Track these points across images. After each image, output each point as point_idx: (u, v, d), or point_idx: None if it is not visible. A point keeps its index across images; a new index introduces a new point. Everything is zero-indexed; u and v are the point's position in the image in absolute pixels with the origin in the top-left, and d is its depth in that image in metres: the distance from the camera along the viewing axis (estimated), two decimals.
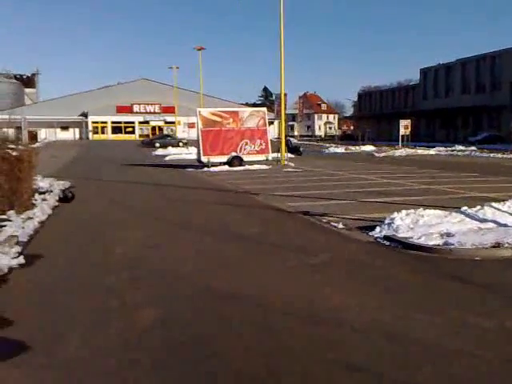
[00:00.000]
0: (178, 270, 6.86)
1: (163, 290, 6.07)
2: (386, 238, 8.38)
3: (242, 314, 5.17)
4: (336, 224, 9.79)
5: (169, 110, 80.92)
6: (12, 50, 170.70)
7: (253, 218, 11.29)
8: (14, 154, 11.36)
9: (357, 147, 46.79)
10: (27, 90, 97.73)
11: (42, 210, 11.25)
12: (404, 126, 45.79)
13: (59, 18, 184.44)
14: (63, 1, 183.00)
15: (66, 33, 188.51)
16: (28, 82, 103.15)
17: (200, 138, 25.46)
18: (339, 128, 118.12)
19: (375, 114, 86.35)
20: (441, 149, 43.69)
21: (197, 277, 6.55)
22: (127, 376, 3.92)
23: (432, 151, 41.67)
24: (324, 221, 10.30)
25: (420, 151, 41.47)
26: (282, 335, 4.64)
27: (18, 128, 58.60)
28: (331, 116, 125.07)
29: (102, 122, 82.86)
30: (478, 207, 9.44)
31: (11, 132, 55.09)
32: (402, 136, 45.53)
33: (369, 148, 45.57)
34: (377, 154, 38.54)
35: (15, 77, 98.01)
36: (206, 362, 4.11)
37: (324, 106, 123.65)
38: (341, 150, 46.25)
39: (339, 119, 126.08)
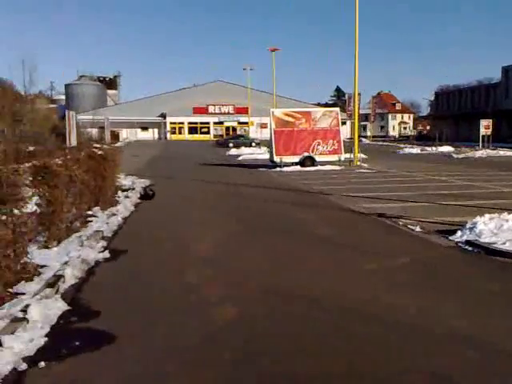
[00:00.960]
0: (254, 269, 6.97)
1: (239, 289, 6.15)
2: (467, 242, 8.05)
3: (318, 316, 5.16)
4: (413, 227, 9.53)
5: (242, 110, 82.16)
6: (96, 53, 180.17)
7: (326, 218, 11.23)
8: (100, 152, 12.03)
9: (433, 148, 45.11)
10: (109, 92, 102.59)
11: (125, 206, 11.84)
12: (485, 126, 43.56)
13: (139, 23, 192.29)
14: (141, 8, 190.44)
15: (145, 37, 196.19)
16: (110, 83, 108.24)
17: (273, 138, 25.66)
18: (414, 128, 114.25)
19: (453, 113, 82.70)
20: None
21: (272, 277, 6.60)
22: (206, 371, 4.01)
23: None
24: (400, 223, 10.06)
25: (502, 152, 39.29)
26: (358, 339, 4.60)
27: (101, 128, 61.76)
28: (406, 116, 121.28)
29: (180, 123, 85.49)
30: None
31: (95, 132, 58.15)
32: (483, 136, 43.38)
33: (446, 149, 43.76)
34: (455, 155, 37.00)
35: (98, 79, 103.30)
36: (281, 361, 4.16)
37: (398, 106, 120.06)
38: (416, 150, 44.80)
39: (414, 119, 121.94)
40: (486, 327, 4.80)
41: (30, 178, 7.92)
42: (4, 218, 5.82)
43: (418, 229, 9.38)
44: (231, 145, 54.78)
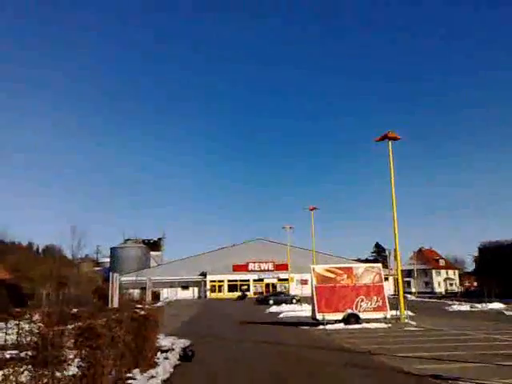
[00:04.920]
0: None
1: None
2: None
3: None
4: None
5: (282, 267, 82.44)
6: (142, 218, 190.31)
7: (380, 382, 10.44)
8: (142, 313, 12.07)
9: (483, 305, 43.16)
10: (153, 253, 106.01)
11: (164, 368, 11.45)
12: None
13: (183, 187, 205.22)
14: (186, 181, 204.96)
15: (187, 199, 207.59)
16: (154, 245, 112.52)
17: (314, 294, 25.24)
18: (461, 284, 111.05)
19: (500, 269, 79.99)
20: None
21: None
22: None
23: None
24: None
25: None
26: None
27: (143, 288, 62.66)
28: (451, 271, 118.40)
29: (219, 281, 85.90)
30: None
31: (136, 292, 58.98)
32: None
33: (497, 306, 41.84)
34: (508, 313, 34.97)
35: (143, 241, 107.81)
36: None
37: (442, 262, 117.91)
38: (465, 307, 42.85)
39: (460, 275, 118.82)
40: None
41: (72, 340, 7.94)
42: (45, 380, 5.75)
43: None
44: (271, 302, 53.91)
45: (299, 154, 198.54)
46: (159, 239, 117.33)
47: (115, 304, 30.98)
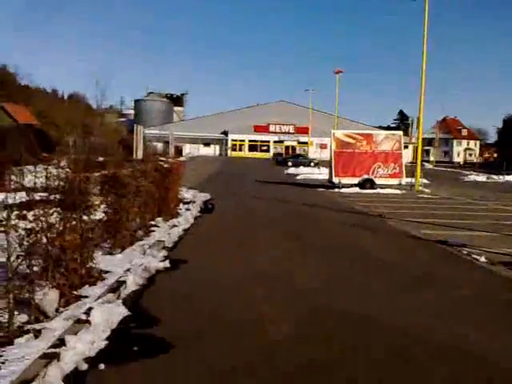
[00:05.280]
0: (309, 288, 6.93)
1: (295, 307, 6.10)
2: None
3: (369, 337, 5.08)
4: (477, 257, 9.16)
5: (303, 130, 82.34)
6: (165, 72, 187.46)
7: (385, 243, 10.97)
8: (165, 165, 12.43)
9: (500, 176, 43.28)
10: (176, 108, 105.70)
11: (185, 218, 12.14)
12: None
13: (207, 44, 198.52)
14: (208, 30, 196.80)
15: (212, 57, 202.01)
16: (177, 100, 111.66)
17: (333, 158, 25.54)
18: (480, 155, 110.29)
19: None
20: None
21: (324, 299, 6.57)
22: None
23: None
24: (464, 252, 9.70)
25: None
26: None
27: (166, 142, 63.73)
28: (472, 142, 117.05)
29: (240, 140, 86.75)
30: None
31: (160, 146, 59.84)
32: None
33: None
34: None
35: (166, 96, 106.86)
36: None
37: (464, 132, 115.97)
38: (482, 178, 43.16)
39: (481, 146, 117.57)
40: None
41: (99, 187, 8.32)
42: (74, 223, 6.12)
43: (482, 259, 9.00)
44: (290, 163, 54.83)
45: (330, 12, 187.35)
46: (182, 95, 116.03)
47: (140, 155, 31.94)
